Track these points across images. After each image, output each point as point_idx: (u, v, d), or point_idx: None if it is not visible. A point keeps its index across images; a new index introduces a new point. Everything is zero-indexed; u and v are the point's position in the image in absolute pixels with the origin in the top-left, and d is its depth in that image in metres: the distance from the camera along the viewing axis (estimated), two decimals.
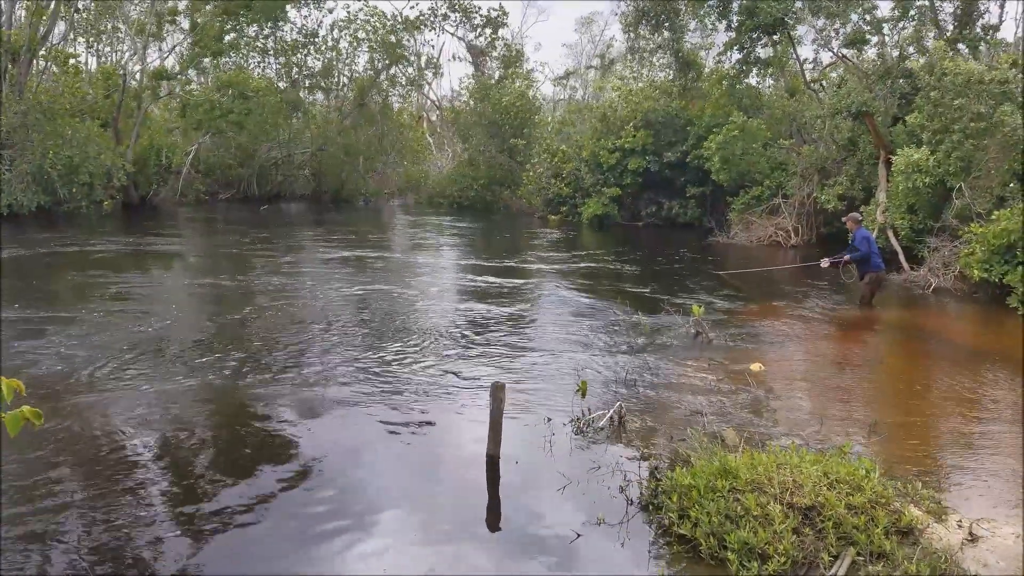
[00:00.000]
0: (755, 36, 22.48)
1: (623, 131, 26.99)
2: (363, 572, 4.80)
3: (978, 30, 19.86)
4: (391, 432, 7.00)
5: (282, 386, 8.18)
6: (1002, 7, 22.47)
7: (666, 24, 27.10)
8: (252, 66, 35.74)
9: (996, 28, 20.46)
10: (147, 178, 30.30)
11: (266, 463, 6.27)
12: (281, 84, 35.90)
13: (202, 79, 34.51)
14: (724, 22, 23.89)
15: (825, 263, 13.88)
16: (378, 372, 8.77)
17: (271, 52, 35.31)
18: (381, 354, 9.53)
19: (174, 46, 33.21)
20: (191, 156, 31.23)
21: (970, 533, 5.25)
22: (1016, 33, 27.76)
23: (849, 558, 4.80)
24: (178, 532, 5.14)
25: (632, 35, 28.50)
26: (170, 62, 33.00)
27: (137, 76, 30.29)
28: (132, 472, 5.99)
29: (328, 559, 4.89)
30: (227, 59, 33.00)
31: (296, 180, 37.08)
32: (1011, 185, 15.22)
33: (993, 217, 14.12)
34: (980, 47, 19.35)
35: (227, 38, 30.34)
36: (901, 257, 16.89)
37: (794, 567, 4.74)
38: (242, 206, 32.52)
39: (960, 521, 5.42)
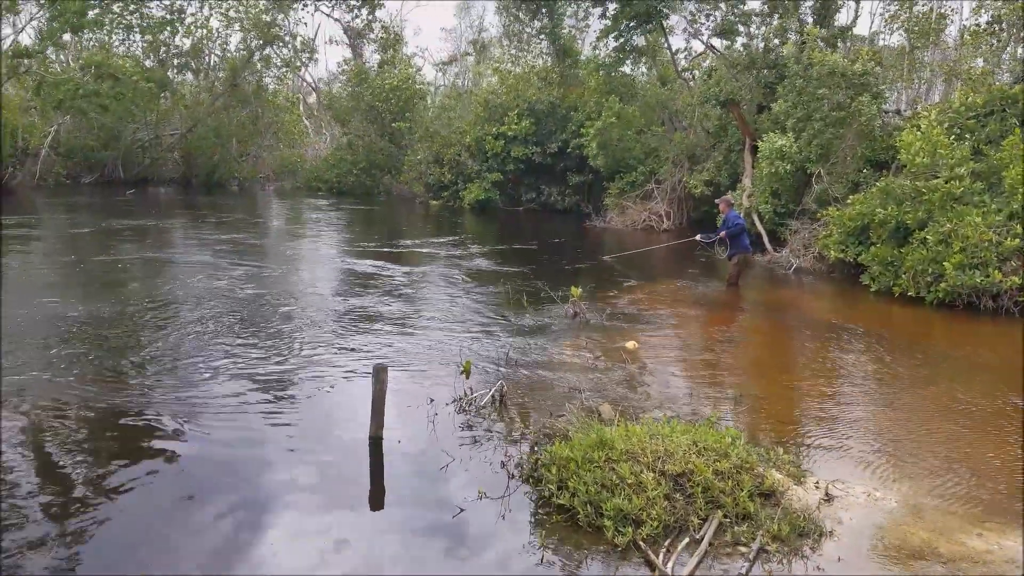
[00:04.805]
0: (631, 24, 22.98)
1: (506, 117, 27.13)
2: (247, 567, 4.68)
3: (836, 27, 21.02)
4: (271, 421, 6.86)
5: (154, 382, 7.84)
6: (857, 3, 23.88)
7: (543, 9, 27.41)
8: (116, 43, 33.69)
9: (852, 26, 21.75)
10: (2, 160, 28.19)
11: (141, 462, 5.99)
12: (148, 63, 34.04)
13: (63, 57, 32.32)
14: (600, 9, 24.34)
15: (699, 237, 14.75)
16: (256, 361, 8.54)
17: (136, 29, 33.34)
18: (259, 343, 9.28)
19: (30, 18, 30.90)
20: (50, 137, 29.29)
21: (826, 493, 5.64)
22: (871, 27, 29.56)
23: (716, 520, 5.07)
24: (55, 532, 4.90)
25: (509, 19, 28.61)
26: (26, 38, 30.68)
27: None
28: None
29: (207, 555, 4.74)
30: (90, 36, 30.97)
31: (165, 163, 35.37)
32: (864, 171, 16.31)
33: (849, 201, 15.07)
34: (837, 43, 20.49)
35: (90, 14, 28.41)
36: (765, 240, 17.76)
37: (666, 531, 4.98)
38: (107, 190, 30.73)
39: (817, 483, 5.81)
